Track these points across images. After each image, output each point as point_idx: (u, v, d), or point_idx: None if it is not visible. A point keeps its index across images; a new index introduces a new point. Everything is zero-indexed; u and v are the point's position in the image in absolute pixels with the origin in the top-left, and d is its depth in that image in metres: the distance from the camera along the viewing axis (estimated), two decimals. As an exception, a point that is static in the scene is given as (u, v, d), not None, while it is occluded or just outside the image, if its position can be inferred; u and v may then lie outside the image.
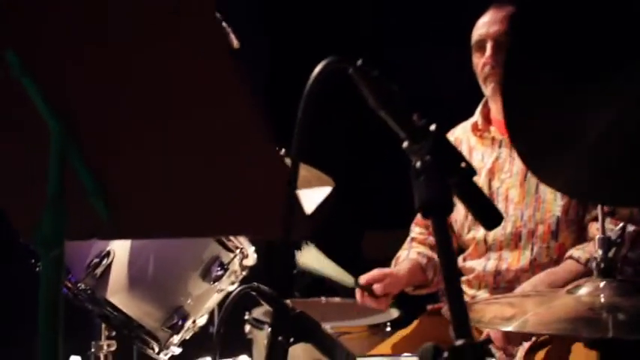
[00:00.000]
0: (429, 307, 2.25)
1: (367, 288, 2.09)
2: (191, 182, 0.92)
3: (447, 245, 0.81)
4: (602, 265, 1.29)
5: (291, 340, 1.38)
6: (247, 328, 2.39)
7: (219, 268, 1.56)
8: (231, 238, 1.58)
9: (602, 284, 1.29)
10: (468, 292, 2.18)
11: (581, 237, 2.03)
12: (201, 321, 1.81)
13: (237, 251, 1.58)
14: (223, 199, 0.88)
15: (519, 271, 2.06)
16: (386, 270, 2.15)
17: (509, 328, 1.33)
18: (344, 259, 3.32)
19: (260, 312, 2.43)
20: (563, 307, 1.28)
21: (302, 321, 1.41)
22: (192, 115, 0.86)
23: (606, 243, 1.28)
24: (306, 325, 1.42)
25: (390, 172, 3.39)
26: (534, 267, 2.04)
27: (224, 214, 0.88)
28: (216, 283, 1.56)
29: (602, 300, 1.27)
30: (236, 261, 1.60)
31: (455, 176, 0.87)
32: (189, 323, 1.61)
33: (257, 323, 2.36)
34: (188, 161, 0.89)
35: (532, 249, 2.05)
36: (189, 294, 1.56)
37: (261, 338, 2.30)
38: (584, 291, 1.30)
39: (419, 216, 2.37)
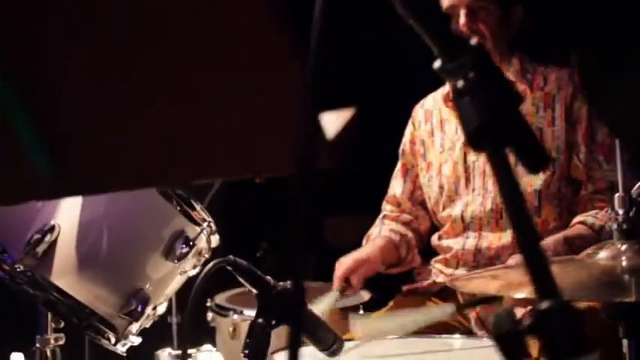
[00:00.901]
0: (405, 287, 2.05)
1: (346, 285, 1.88)
2: (167, 114, 0.68)
3: (512, 184, 0.59)
4: (625, 226, 1.11)
5: (274, 322, 1.15)
6: (210, 315, 2.15)
7: (184, 245, 1.31)
8: (198, 209, 1.32)
9: (623, 247, 1.11)
10: (445, 270, 1.99)
11: (565, 213, 1.86)
12: (162, 308, 1.55)
13: (205, 225, 1.33)
14: (214, 130, 0.65)
15: (501, 248, 1.88)
16: (359, 257, 1.94)
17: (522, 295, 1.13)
18: (305, 246, 3.08)
19: (223, 298, 2.19)
20: (582, 272, 1.10)
21: (286, 300, 1.18)
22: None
23: (628, 201, 1.10)
24: (287, 305, 1.19)
25: (350, 157, 3.21)
26: (515, 246, 1.86)
27: (218, 150, 0.64)
28: (180, 262, 1.31)
29: (624, 263, 1.09)
30: (203, 237, 1.35)
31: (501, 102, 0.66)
32: (149, 309, 1.35)
33: (220, 310, 2.12)
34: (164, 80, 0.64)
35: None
36: (150, 275, 1.29)
37: (225, 326, 2.07)
38: (603, 255, 1.12)
39: (389, 193, 2.20)
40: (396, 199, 2.13)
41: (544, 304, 0.53)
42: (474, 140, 0.62)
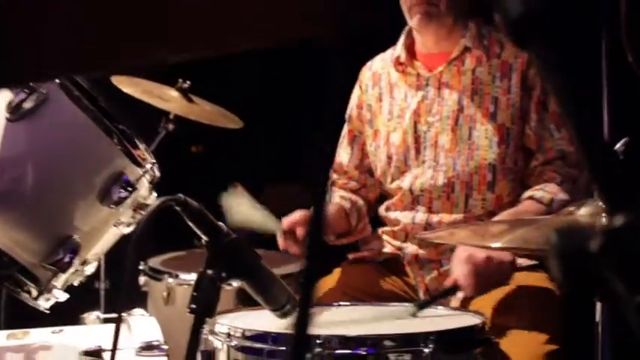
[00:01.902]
0: (351, 255, 1.91)
1: (290, 232, 1.72)
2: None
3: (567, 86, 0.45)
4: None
5: (224, 275, 0.98)
6: (142, 279, 1.95)
7: (121, 190, 1.11)
8: (141, 149, 1.13)
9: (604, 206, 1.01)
10: (392, 242, 1.86)
11: (518, 187, 1.74)
12: (90, 268, 1.35)
13: (148, 167, 1.14)
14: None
15: (452, 223, 1.74)
16: (308, 212, 1.79)
17: (497, 244, 1.01)
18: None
19: (157, 261, 2.00)
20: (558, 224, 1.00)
21: (239, 251, 1.01)
22: None
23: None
24: (243, 257, 1.02)
25: (287, 125, 3.05)
26: (468, 220, 1.74)
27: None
28: (117, 208, 1.11)
29: (604, 220, 0.99)
30: (144, 181, 1.16)
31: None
32: (78, 261, 1.15)
33: (154, 273, 1.92)
34: None
35: (466, 201, 1.75)
36: (82, 220, 1.09)
37: (158, 290, 1.87)
38: (583, 211, 1.02)
39: (336, 161, 2.03)
40: (343, 168, 1.97)
41: (618, 220, 0.39)
42: (515, 32, 0.47)
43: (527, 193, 1.69)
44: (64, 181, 1.09)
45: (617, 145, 1.01)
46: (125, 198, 1.12)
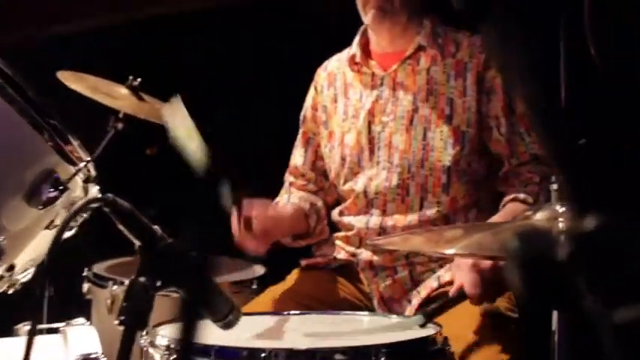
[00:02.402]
0: (304, 261, 1.83)
1: (246, 221, 1.60)
2: None
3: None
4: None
5: (159, 283, 0.89)
6: (86, 287, 1.84)
7: (52, 189, 1.01)
8: (74, 145, 1.03)
9: (561, 209, 0.96)
10: (346, 248, 1.78)
11: (473, 190, 1.69)
12: (25, 274, 1.24)
13: (82, 165, 1.04)
14: None
15: (407, 227, 1.67)
16: (268, 201, 1.71)
17: (451, 251, 0.94)
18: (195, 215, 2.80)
19: (102, 268, 1.88)
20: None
21: (176, 257, 0.92)
22: None
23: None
24: (180, 263, 0.93)
25: (238, 132, 2.97)
26: (423, 224, 1.68)
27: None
28: (47, 209, 1.01)
29: (561, 225, 0.94)
30: (78, 180, 1.06)
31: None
32: (2, 268, 1.04)
33: (98, 280, 1.81)
34: None
35: (421, 204, 1.69)
36: (7, 221, 0.99)
37: (102, 298, 1.76)
38: (540, 216, 0.96)
39: (291, 164, 1.95)
40: (299, 170, 1.90)
41: (589, 223, 0.32)
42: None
43: (510, 196, 1.63)
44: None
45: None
46: (55, 198, 1.02)
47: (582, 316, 0.34)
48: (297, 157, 1.91)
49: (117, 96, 2.02)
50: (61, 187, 1.03)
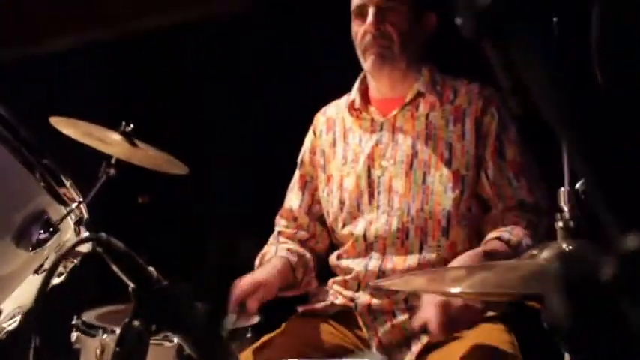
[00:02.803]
0: (300, 308, 1.78)
1: (241, 308, 1.63)
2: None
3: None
4: (571, 224, 0.92)
5: (154, 327, 0.85)
6: (74, 335, 1.77)
7: (42, 230, 0.98)
8: (67, 186, 0.99)
9: (568, 247, 0.93)
10: (344, 292, 1.74)
11: (473, 235, 1.67)
12: (9, 321, 1.19)
13: (74, 206, 1.00)
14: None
15: (406, 270, 1.64)
16: (256, 279, 1.68)
17: (457, 290, 0.90)
18: (188, 264, 2.77)
19: (92, 315, 1.82)
20: (523, 271, 0.90)
21: (172, 300, 0.88)
22: None
23: (574, 197, 0.92)
24: (176, 307, 0.89)
25: (235, 175, 2.95)
26: (422, 267, 1.65)
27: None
28: (36, 252, 0.97)
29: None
30: (69, 222, 1.02)
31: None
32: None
33: (88, 329, 1.74)
34: None
35: (421, 247, 1.66)
36: (-7, 265, 0.95)
37: (92, 347, 1.70)
38: (546, 254, 0.93)
39: (285, 206, 1.93)
40: (293, 214, 1.88)
41: (632, 241, 0.30)
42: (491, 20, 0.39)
43: (493, 234, 1.60)
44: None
45: (578, 185, 0.94)
46: (46, 240, 0.98)
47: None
48: (293, 200, 1.89)
49: (110, 142, 2.00)
50: (51, 229, 1.00)
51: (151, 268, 0.87)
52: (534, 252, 0.95)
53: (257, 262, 1.84)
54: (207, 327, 0.92)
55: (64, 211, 1.00)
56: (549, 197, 1.65)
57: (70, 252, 0.82)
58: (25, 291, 1.14)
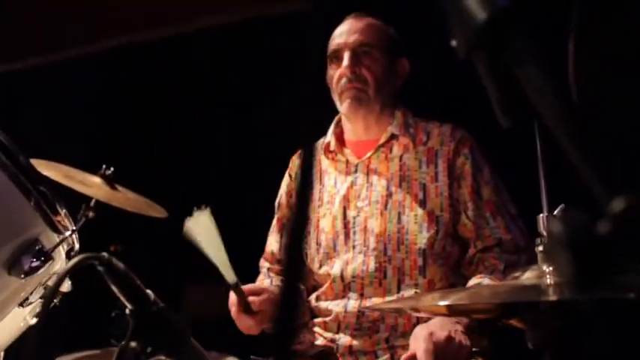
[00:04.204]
0: (281, 349, 1.78)
1: (244, 296, 1.64)
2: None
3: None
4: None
5: (150, 349, 0.86)
6: (50, 381, 1.73)
7: (34, 259, 0.98)
8: (62, 214, 1.01)
9: (548, 269, 0.98)
10: (324, 334, 1.75)
11: (450, 273, 1.71)
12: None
13: (67, 234, 1.02)
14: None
15: (385, 310, 1.68)
16: (261, 284, 1.70)
17: (445, 303, 0.94)
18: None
19: (69, 359, 1.79)
20: (509, 291, 0.95)
21: (167, 322, 0.89)
22: None
23: (553, 222, 0.97)
24: (172, 329, 0.90)
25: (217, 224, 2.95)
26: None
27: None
28: (28, 279, 0.98)
29: (549, 282, 0.95)
30: (61, 251, 1.03)
31: None
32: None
33: (65, 372, 1.71)
34: None
35: (398, 286, 1.69)
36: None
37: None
38: (529, 275, 0.98)
39: (266, 250, 1.94)
40: (275, 257, 1.91)
41: (618, 204, 0.35)
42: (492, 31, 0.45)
43: (474, 281, 1.64)
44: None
45: (556, 211, 1.00)
46: (38, 268, 0.99)
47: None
48: (273, 243, 1.92)
49: (90, 184, 2.01)
50: (43, 258, 1.01)
51: (149, 291, 0.89)
52: (517, 274, 1.00)
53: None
54: (196, 349, 0.94)
55: (56, 238, 1.01)
56: (526, 234, 1.72)
57: (72, 271, 0.83)
58: (8, 328, 1.13)
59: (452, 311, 1.15)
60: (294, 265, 0.39)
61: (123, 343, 0.85)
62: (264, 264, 1.93)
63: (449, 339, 1.44)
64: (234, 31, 2.75)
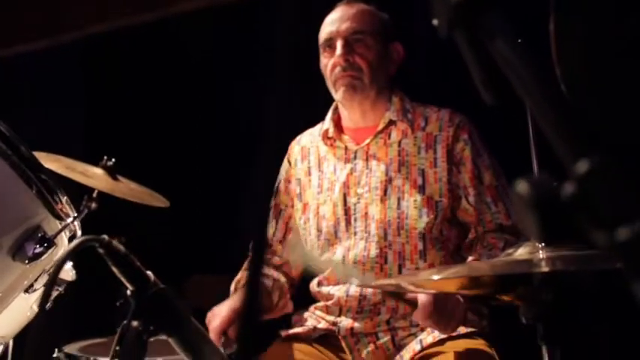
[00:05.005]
0: (284, 333, 1.81)
1: (224, 337, 1.69)
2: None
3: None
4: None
5: (151, 328, 0.89)
6: (56, 369, 1.77)
7: (37, 245, 1.01)
8: (63, 202, 1.04)
9: (541, 245, 1.00)
10: (326, 318, 1.78)
11: (449, 257, 1.74)
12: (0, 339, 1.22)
13: (69, 220, 1.05)
14: None
15: (385, 294, 1.70)
16: (234, 307, 1.73)
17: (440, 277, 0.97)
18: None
19: (75, 347, 1.83)
20: (504, 265, 0.98)
21: (167, 303, 0.93)
22: None
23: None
24: (171, 309, 0.94)
25: (217, 214, 2.99)
26: (403, 292, 1.71)
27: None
28: (32, 264, 1.01)
29: (542, 255, 0.98)
30: (64, 237, 1.06)
31: None
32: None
33: (71, 360, 1.75)
34: None
35: (399, 271, 1.72)
36: (-8, 278, 0.99)
37: (75, 378, 1.70)
38: (522, 251, 1.01)
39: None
40: (267, 241, 1.92)
41: (582, 167, 0.37)
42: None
43: (473, 257, 1.67)
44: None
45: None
46: (41, 254, 1.03)
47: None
48: (268, 227, 1.93)
49: (91, 175, 2.04)
50: (46, 244, 1.04)
51: (149, 272, 0.92)
52: (510, 251, 1.02)
53: (232, 287, 1.88)
54: (196, 328, 0.97)
55: (58, 225, 1.05)
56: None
57: (73, 253, 0.87)
58: (15, 314, 1.17)
59: (447, 285, 1.18)
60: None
61: (125, 322, 0.88)
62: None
63: (449, 294, 1.50)
64: (236, 15, 2.77)
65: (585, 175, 0.37)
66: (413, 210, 1.74)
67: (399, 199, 1.75)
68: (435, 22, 0.61)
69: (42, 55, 2.58)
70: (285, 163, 1.97)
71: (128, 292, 0.90)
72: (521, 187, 0.38)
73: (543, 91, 0.41)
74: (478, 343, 1.63)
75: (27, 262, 1.00)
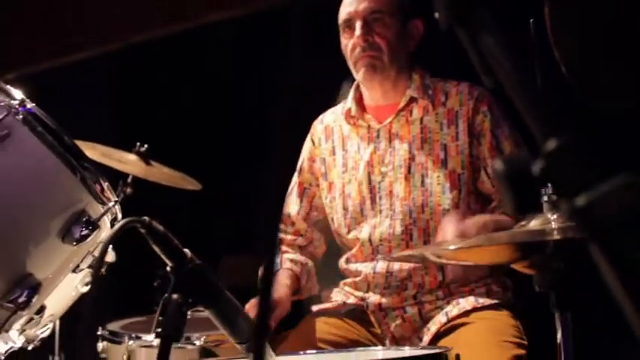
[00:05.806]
0: (314, 307, 1.91)
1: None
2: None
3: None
4: (554, 197, 1.07)
5: (190, 301, 0.99)
6: (100, 345, 1.90)
7: (83, 228, 1.12)
8: (105, 187, 1.15)
9: (553, 216, 1.08)
10: (355, 293, 1.87)
11: None
12: (45, 328, 1.33)
13: (111, 204, 1.16)
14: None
15: (412, 269, 1.78)
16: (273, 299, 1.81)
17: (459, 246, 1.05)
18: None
19: (117, 326, 1.96)
20: (517, 235, 1.06)
21: (203, 278, 1.03)
22: None
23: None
24: (207, 283, 1.04)
25: (245, 196, 3.09)
26: (428, 266, 1.79)
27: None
28: (79, 245, 1.12)
29: (554, 225, 1.06)
30: (106, 220, 1.17)
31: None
32: (36, 302, 1.13)
33: (114, 337, 1.88)
34: None
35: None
36: (43, 258, 1.09)
37: (118, 354, 1.83)
38: (535, 223, 1.08)
39: (284, 211, 2.00)
40: (291, 219, 1.97)
41: (550, 145, 0.44)
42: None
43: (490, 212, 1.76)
44: (25, 218, 1.10)
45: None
46: (87, 236, 1.13)
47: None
48: (292, 205, 1.97)
49: (126, 161, 2.16)
50: (91, 227, 1.15)
51: (186, 250, 1.02)
52: (523, 223, 1.10)
53: (260, 272, 1.95)
54: (231, 301, 1.07)
55: (101, 209, 1.15)
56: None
57: (119, 233, 0.97)
58: (63, 293, 1.28)
59: (467, 254, 1.25)
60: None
61: (166, 295, 0.98)
62: (280, 227, 1.97)
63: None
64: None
65: (552, 152, 0.44)
66: (436, 186, 1.80)
67: (422, 177, 1.82)
68: (436, 15, 0.68)
69: (82, 62, 2.72)
70: (308, 141, 2.00)
71: (167, 268, 1.00)
72: (497, 164, 0.46)
73: (519, 80, 0.48)
74: (502, 314, 1.71)
75: (75, 243, 1.11)
